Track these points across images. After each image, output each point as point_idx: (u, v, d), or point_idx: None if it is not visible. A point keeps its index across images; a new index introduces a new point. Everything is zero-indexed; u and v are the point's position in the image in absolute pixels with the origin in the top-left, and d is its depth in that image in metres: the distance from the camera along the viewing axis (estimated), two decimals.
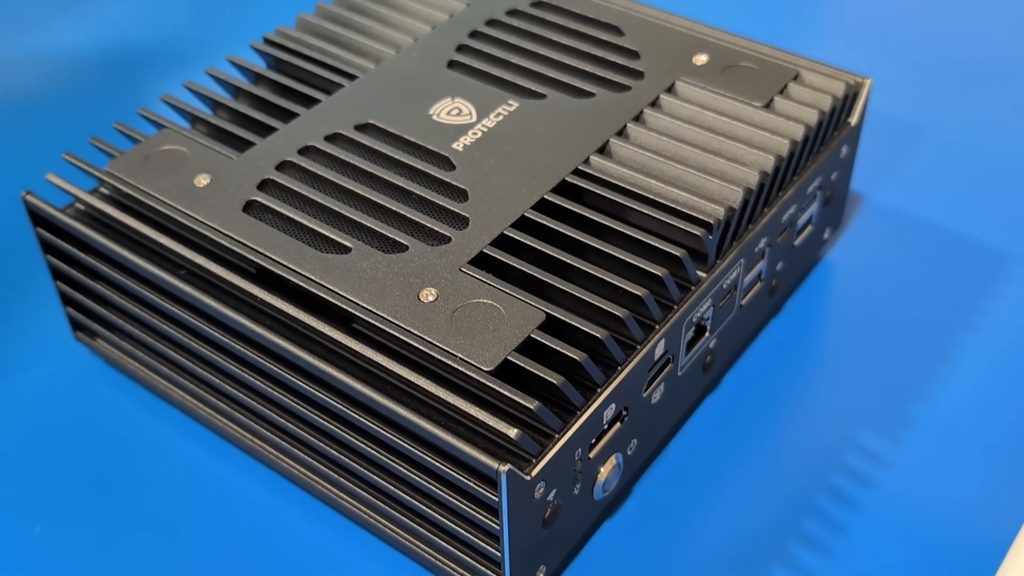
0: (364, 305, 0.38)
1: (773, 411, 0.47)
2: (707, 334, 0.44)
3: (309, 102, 0.48)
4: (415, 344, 0.37)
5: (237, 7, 0.73)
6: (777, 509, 0.43)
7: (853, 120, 0.48)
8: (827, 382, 0.48)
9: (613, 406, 0.39)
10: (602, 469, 0.40)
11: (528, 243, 0.41)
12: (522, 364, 0.36)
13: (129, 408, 0.48)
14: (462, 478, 0.36)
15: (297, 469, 0.43)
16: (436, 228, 0.41)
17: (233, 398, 0.43)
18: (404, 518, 0.40)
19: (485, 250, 0.40)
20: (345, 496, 0.42)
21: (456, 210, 0.42)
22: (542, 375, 0.36)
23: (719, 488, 0.44)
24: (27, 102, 0.65)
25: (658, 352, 0.40)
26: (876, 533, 0.42)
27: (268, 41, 0.52)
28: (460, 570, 0.39)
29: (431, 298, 0.38)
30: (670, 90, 0.47)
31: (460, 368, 0.36)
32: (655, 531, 0.43)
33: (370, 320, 0.38)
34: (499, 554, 0.37)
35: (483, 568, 0.38)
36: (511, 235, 0.41)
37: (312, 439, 0.41)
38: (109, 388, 0.48)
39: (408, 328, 0.37)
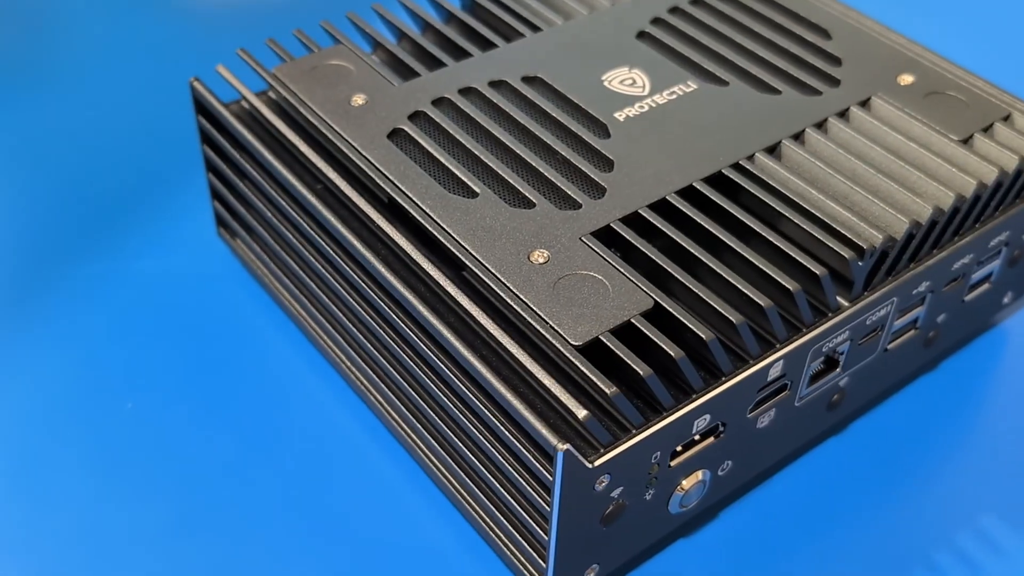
0: (471, 251, 0.37)
1: (896, 471, 0.43)
2: (838, 370, 0.40)
3: (486, 45, 0.47)
4: (510, 301, 0.35)
5: None
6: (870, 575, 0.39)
7: None
8: (967, 453, 0.43)
9: (708, 417, 0.36)
10: (684, 482, 0.37)
11: (660, 227, 0.38)
12: (613, 348, 0.34)
13: (250, 310, 0.48)
14: (524, 448, 0.34)
15: (381, 404, 0.42)
16: (569, 192, 0.39)
17: (335, 317, 0.43)
18: (468, 478, 0.38)
19: (613, 225, 0.38)
20: (421, 444, 0.41)
21: (596, 178, 0.40)
22: (631, 363, 0.33)
23: (813, 537, 0.40)
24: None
25: (773, 373, 0.37)
26: None
27: None
28: (510, 546, 0.38)
29: (541, 260, 0.36)
30: (864, 104, 0.44)
31: (548, 337, 0.34)
32: (730, 564, 0.40)
33: (474, 268, 0.36)
34: (546, 537, 0.35)
35: (531, 550, 0.36)
36: (645, 215, 0.38)
37: (396, 374, 0.40)
38: (237, 287, 0.49)
39: (507, 284, 0.36)
